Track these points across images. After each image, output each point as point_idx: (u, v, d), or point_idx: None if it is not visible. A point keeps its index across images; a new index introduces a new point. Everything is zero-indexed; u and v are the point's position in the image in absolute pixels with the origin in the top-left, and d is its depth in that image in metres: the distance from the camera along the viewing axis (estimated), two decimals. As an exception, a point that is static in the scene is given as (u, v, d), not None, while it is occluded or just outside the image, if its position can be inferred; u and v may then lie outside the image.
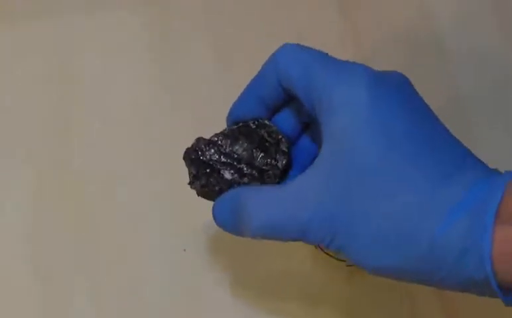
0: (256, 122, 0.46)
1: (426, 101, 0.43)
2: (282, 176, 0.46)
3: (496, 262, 0.36)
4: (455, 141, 0.41)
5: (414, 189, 0.38)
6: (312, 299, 0.57)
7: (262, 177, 0.45)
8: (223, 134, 0.47)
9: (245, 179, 0.45)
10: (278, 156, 0.45)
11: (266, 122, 0.46)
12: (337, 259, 0.58)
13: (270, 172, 0.45)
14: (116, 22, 0.69)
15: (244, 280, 0.58)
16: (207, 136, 0.48)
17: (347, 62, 0.42)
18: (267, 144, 0.46)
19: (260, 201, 0.42)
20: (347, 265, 0.58)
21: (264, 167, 0.45)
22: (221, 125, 0.49)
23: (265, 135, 0.46)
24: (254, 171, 0.45)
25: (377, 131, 0.39)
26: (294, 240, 0.42)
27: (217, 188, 0.46)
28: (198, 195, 0.48)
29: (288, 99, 0.45)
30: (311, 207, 0.40)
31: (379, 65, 0.67)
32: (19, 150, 0.63)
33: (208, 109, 0.64)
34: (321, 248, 0.59)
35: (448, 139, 0.40)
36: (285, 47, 0.44)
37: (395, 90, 0.41)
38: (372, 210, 0.38)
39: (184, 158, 0.47)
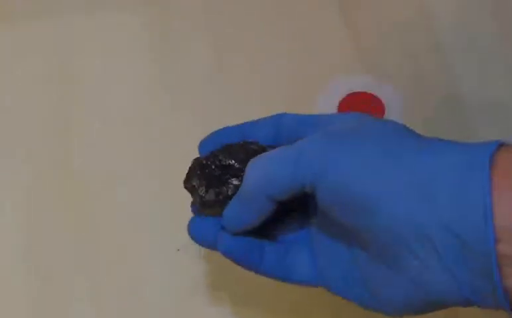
0: (241, 142, 0.47)
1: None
2: None
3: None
4: None
5: (414, 148, 0.39)
6: (312, 299, 0.57)
7: None
8: (217, 150, 0.48)
9: None
10: None
11: (250, 141, 0.47)
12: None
13: None
14: (116, 22, 0.69)
15: (244, 280, 0.58)
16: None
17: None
18: (260, 152, 0.46)
19: (256, 162, 0.44)
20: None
21: None
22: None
23: (255, 147, 0.47)
24: None
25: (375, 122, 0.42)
26: (284, 186, 0.43)
27: (230, 193, 0.46)
28: (203, 211, 0.48)
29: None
30: (302, 144, 0.42)
31: (379, 65, 0.68)
32: (19, 150, 0.63)
33: (208, 109, 0.64)
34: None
35: None
36: (283, 114, 0.47)
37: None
38: (377, 156, 0.40)
39: (186, 181, 0.49)
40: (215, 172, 0.47)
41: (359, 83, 0.55)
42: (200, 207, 0.48)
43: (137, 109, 0.65)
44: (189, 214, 0.60)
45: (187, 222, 0.60)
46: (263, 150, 0.46)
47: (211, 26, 0.69)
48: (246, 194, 0.44)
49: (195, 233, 0.48)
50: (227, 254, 0.46)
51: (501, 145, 0.38)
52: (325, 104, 0.55)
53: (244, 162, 0.46)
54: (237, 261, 0.46)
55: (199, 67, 0.66)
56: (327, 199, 0.41)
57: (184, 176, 0.61)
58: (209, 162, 0.47)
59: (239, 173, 0.46)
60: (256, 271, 0.47)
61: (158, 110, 0.64)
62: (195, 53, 0.67)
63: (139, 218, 0.60)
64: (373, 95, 0.54)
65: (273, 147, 0.46)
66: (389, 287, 0.41)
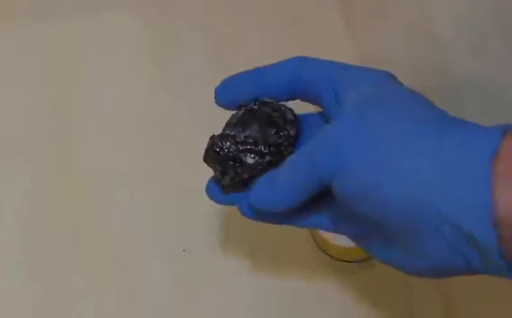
0: (257, 103, 0.48)
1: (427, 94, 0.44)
2: (296, 141, 0.48)
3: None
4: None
5: (423, 134, 0.40)
6: (312, 299, 0.57)
7: (279, 150, 0.47)
8: (231, 124, 0.48)
9: (267, 158, 0.46)
10: (288, 126, 0.47)
11: (266, 99, 0.48)
12: (338, 259, 0.58)
13: (286, 143, 0.47)
14: (116, 22, 0.69)
15: (244, 280, 0.58)
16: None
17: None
18: (274, 118, 0.47)
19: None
20: (351, 262, 0.58)
21: (279, 141, 0.47)
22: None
23: (270, 111, 0.47)
24: (272, 148, 0.47)
25: (391, 92, 0.43)
26: (309, 171, 0.43)
27: (245, 176, 0.47)
28: (227, 192, 0.49)
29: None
30: (327, 133, 0.43)
31: (379, 66, 0.68)
32: (19, 149, 0.63)
33: (208, 109, 0.64)
34: (322, 250, 0.59)
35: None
36: (301, 57, 0.47)
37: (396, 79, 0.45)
38: (387, 144, 0.40)
39: (205, 159, 0.48)
40: (229, 152, 0.47)
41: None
42: (220, 187, 0.49)
43: (137, 109, 0.65)
44: (189, 215, 0.60)
45: (187, 223, 0.60)
46: (277, 111, 0.47)
47: (211, 26, 0.69)
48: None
49: (212, 196, 0.49)
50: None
51: (509, 128, 0.39)
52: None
53: (258, 133, 0.46)
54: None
55: (199, 68, 0.66)
56: (344, 192, 0.42)
57: (183, 176, 0.62)
58: (222, 142, 0.47)
59: (252, 149, 0.46)
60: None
61: (158, 110, 0.64)
62: (195, 54, 0.67)
63: (139, 219, 0.60)
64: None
65: (287, 100, 0.47)
66: (402, 263, 0.43)
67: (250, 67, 0.49)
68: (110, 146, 0.63)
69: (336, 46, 0.67)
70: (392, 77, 0.45)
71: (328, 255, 0.59)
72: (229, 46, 0.68)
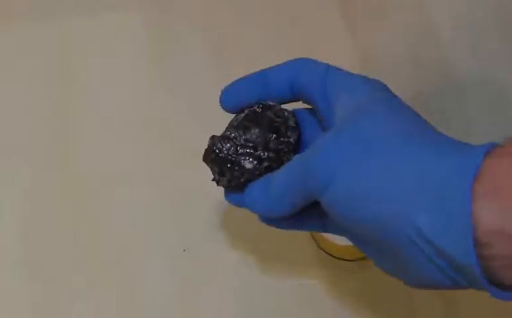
0: (260, 106, 0.48)
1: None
2: (296, 148, 0.48)
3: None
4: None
5: (408, 154, 0.40)
6: (312, 298, 0.58)
7: (279, 156, 0.47)
8: (233, 126, 0.48)
9: (265, 164, 0.47)
10: (289, 133, 0.47)
11: (270, 103, 0.48)
12: (338, 258, 0.58)
13: (286, 149, 0.47)
14: (116, 22, 0.69)
15: (244, 280, 0.58)
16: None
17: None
18: (276, 124, 0.47)
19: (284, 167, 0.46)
20: (351, 261, 0.58)
21: (279, 147, 0.47)
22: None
23: (272, 116, 0.47)
24: (271, 153, 0.47)
25: (380, 105, 0.43)
26: (298, 186, 0.44)
27: (242, 180, 0.47)
28: (226, 189, 0.49)
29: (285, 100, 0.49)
30: (316, 150, 0.43)
31: (380, 66, 0.68)
32: (19, 149, 0.63)
33: (208, 109, 0.64)
34: (322, 249, 0.59)
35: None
36: (301, 59, 0.48)
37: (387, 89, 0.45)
38: (371, 162, 0.40)
39: (204, 159, 0.49)
40: (228, 155, 0.47)
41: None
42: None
43: (137, 109, 0.65)
44: (189, 215, 0.60)
45: (187, 223, 0.60)
46: (280, 117, 0.47)
47: (211, 26, 0.69)
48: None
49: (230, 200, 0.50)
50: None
51: (493, 147, 0.38)
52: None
53: (258, 138, 0.47)
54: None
55: (199, 68, 0.66)
56: (328, 209, 0.42)
57: (183, 176, 0.62)
58: (222, 143, 0.47)
59: (252, 153, 0.47)
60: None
61: (158, 110, 0.64)
62: (195, 54, 0.67)
63: (139, 219, 0.60)
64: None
65: (288, 102, 0.48)
66: (394, 274, 0.43)
67: (250, 68, 0.49)
68: (110, 146, 0.63)
69: (336, 46, 0.67)
70: (384, 87, 0.45)
71: (328, 254, 0.59)
72: (229, 46, 0.68)
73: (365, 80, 0.45)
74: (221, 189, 0.49)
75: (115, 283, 0.58)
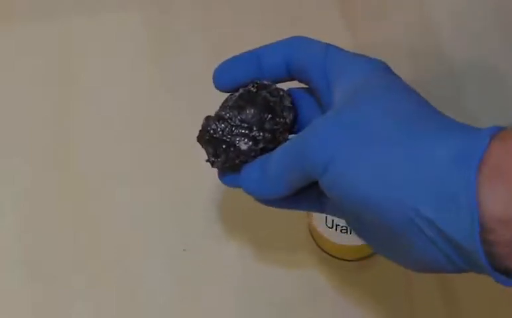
0: (255, 85, 0.47)
1: (427, 97, 0.43)
2: (292, 128, 0.47)
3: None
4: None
5: (411, 137, 0.39)
6: (312, 298, 0.58)
7: (274, 137, 0.46)
8: (228, 106, 0.47)
9: (261, 145, 0.46)
10: (284, 113, 0.46)
11: (265, 82, 0.47)
12: (338, 258, 0.58)
13: (281, 129, 0.46)
14: (116, 22, 0.69)
15: (244, 280, 0.58)
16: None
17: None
18: (271, 103, 0.46)
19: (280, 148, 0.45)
20: (351, 260, 0.58)
21: (275, 127, 0.46)
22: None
23: (268, 96, 0.46)
24: (266, 134, 0.46)
25: (381, 87, 0.42)
26: (295, 167, 0.43)
27: (237, 161, 0.46)
28: (221, 170, 0.48)
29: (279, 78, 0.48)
30: (315, 131, 0.42)
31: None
32: (19, 149, 0.63)
33: (208, 109, 0.64)
34: (322, 249, 0.59)
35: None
36: (298, 37, 0.47)
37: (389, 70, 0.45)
38: (373, 145, 0.40)
39: (199, 140, 0.48)
40: (223, 136, 0.46)
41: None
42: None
43: (137, 109, 0.65)
44: (189, 215, 0.60)
45: (187, 223, 0.60)
46: (275, 96, 0.46)
47: (211, 26, 0.69)
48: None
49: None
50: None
51: (498, 130, 0.38)
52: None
53: (254, 118, 0.46)
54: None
55: (199, 68, 0.66)
56: (329, 191, 0.42)
57: (183, 176, 0.62)
58: (217, 124, 0.47)
59: (247, 133, 0.46)
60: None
61: (157, 110, 0.64)
62: (195, 54, 0.67)
63: (139, 219, 0.60)
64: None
65: (284, 81, 0.47)
66: (393, 258, 0.42)
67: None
68: (110, 146, 0.63)
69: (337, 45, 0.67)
70: (386, 68, 0.44)
71: (328, 254, 0.59)
72: (229, 46, 0.67)
73: (366, 60, 0.44)
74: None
75: (115, 283, 0.58)
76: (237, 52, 0.68)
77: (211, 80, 0.48)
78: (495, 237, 0.36)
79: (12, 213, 0.60)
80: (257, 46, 0.69)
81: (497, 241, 0.36)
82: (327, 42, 0.47)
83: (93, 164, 0.62)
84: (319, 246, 0.59)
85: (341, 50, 0.46)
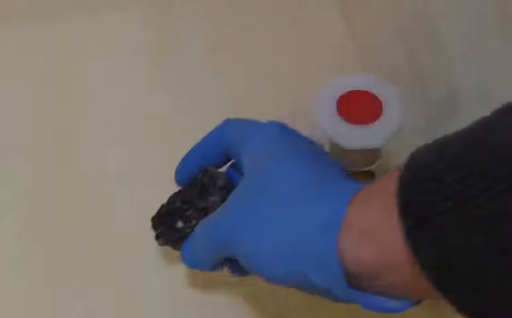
0: (202, 172, 0.53)
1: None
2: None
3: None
4: (333, 163, 0.47)
5: (296, 212, 0.44)
6: (312, 298, 0.57)
7: (206, 214, 0.51)
8: (175, 193, 0.54)
9: (193, 222, 0.52)
10: (216, 192, 0.52)
11: (210, 168, 0.52)
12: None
13: (215, 207, 0.51)
14: (116, 22, 0.69)
15: (244, 280, 0.58)
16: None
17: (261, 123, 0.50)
18: (206, 185, 0.52)
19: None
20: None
21: (205, 205, 0.52)
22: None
23: (205, 179, 0.52)
24: (198, 213, 0.52)
25: (272, 155, 0.47)
26: (211, 246, 0.49)
27: (175, 238, 0.53)
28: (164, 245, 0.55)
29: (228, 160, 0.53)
30: (220, 213, 0.48)
31: (379, 66, 0.68)
32: (19, 149, 0.63)
33: (208, 109, 0.64)
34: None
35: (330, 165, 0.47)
36: (227, 120, 0.52)
37: (290, 132, 0.49)
38: (272, 216, 0.44)
39: (152, 221, 0.54)
40: (168, 217, 0.53)
41: (359, 82, 0.55)
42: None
43: (137, 109, 0.65)
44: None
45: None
46: (211, 178, 0.52)
47: (211, 26, 0.69)
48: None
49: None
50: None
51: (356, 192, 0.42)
52: (324, 100, 0.55)
53: (191, 201, 0.52)
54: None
55: (199, 68, 0.66)
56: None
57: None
58: (164, 207, 0.54)
59: (183, 215, 0.52)
60: None
61: (158, 110, 0.65)
62: (195, 54, 0.67)
63: (139, 219, 0.60)
64: (372, 94, 0.54)
65: (225, 177, 0.52)
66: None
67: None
68: (110, 146, 0.63)
69: (336, 46, 0.67)
70: (281, 129, 0.48)
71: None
72: (229, 46, 0.68)
73: (260, 128, 0.48)
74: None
75: (115, 283, 0.58)
76: (237, 52, 0.68)
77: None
78: (368, 281, 0.42)
79: (12, 213, 0.60)
80: (257, 45, 0.69)
81: (369, 283, 0.42)
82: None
83: (93, 164, 0.62)
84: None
85: (240, 120, 0.50)
